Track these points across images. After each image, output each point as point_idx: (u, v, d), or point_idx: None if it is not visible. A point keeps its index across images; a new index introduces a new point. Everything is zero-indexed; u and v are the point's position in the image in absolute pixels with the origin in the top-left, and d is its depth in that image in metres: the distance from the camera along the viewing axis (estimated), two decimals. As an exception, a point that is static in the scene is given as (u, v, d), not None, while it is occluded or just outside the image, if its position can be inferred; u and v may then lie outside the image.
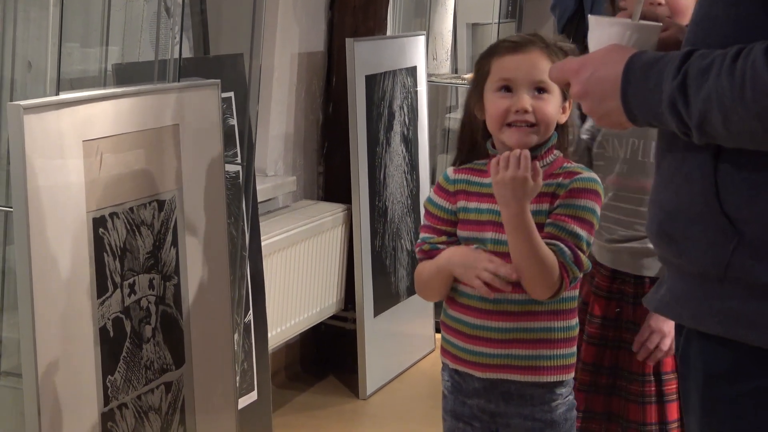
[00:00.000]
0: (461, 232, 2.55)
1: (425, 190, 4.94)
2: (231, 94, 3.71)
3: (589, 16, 1.94)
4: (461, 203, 2.55)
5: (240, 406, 3.66)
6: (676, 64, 1.68)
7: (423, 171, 4.98)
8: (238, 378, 3.66)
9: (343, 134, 4.53)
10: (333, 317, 4.71)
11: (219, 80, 3.33)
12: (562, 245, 2.42)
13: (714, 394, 1.78)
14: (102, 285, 2.84)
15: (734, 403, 1.75)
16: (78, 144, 2.75)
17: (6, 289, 3.06)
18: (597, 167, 2.96)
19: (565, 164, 2.52)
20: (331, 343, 4.84)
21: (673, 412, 2.95)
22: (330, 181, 4.79)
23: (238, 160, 3.70)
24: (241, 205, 3.69)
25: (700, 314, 1.76)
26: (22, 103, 2.61)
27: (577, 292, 2.57)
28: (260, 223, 3.92)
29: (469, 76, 3.63)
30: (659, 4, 2.88)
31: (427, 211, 2.62)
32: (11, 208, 2.67)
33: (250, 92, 3.74)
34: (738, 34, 1.68)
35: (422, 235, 2.61)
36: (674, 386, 2.93)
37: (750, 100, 1.59)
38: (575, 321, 2.55)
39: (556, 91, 2.46)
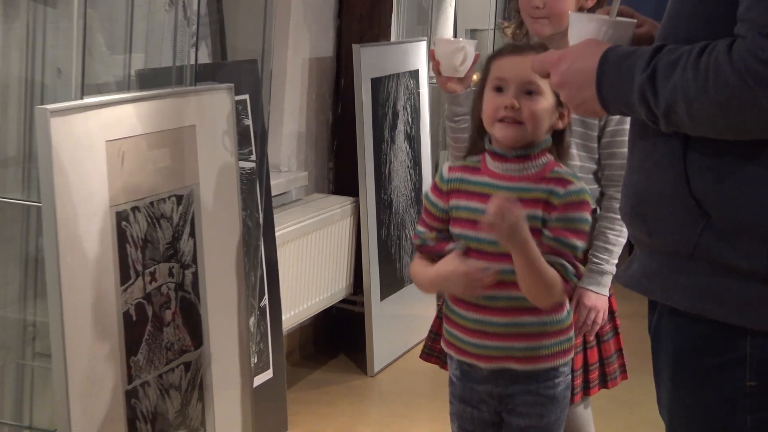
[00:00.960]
0: (453, 229, 2.50)
1: (427, 183, 4.94)
2: (246, 96, 3.71)
3: (570, 12, 1.95)
4: (454, 201, 2.49)
5: (256, 384, 3.66)
6: (646, 57, 1.69)
7: (425, 166, 4.98)
8: (255, 358, 3.67)
9: (351, 132, 4.52)
10: (343, 301, 4.71)
11: (233, 84, 3.33)
12: (564, 262, 2.39)
13: (683, 367, 1.80)
14: (125, 273, 2.84)
15: (702, 376, 1.77)
16: (102, 144, 2.75)
17: (38, 277, 3.06)
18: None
19: (555, 168, 2.45)
20: (341, 325, 4.84)
21: (577, 361, 2.98)
22: (339, 175, 4.79)
23: (253, 157, 3.70)
24: (256, 198, 3.69)
25: (669, 290, 1.77)
26: (49, 106, 2.61)
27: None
28: (275, 215, 3.92)
29: (475, 76, 3.60)
30: (537, 7, 2.90)
31: (424, 206, 2.58)
32: (40, 203, 2.67)
33: (262, 95, 3.74)
34: (705, 29, 1.69)
35: (418, 227, 2.58)
36: (580, 341, 2.96)
37: (712, 91, 1.61)
38: (566, 311, 2.54)
39: (548, 94, 2.41)
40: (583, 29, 1.89)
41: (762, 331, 1.69)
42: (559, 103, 2.42)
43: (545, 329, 2.48)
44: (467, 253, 2.45)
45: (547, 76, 1.90)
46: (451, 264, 2.42)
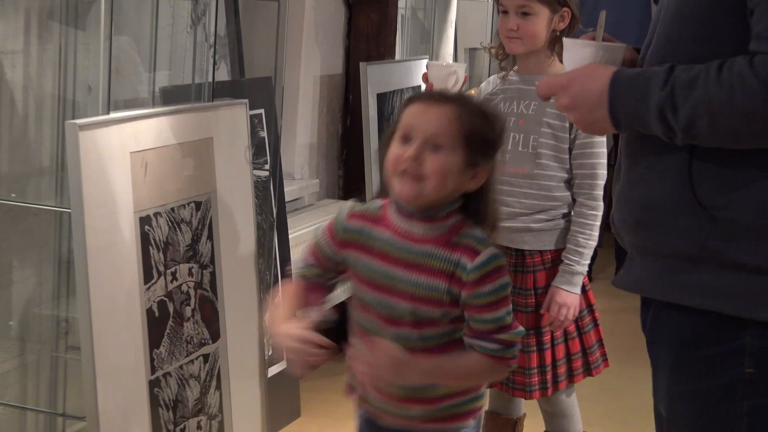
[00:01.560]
0: (352, 283, 2.12)
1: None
2: (261, 111, 3.71)
3: (564, 39, 1.94)
4: (352, 254, 2.08)
5: (272, 374, 3.66)
6: (662, 77, 1.68)
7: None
8: (269, 350, 3.67)
9: (359, 143, 4.52)
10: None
11: (247, 100, 3.34)
12: (484, 343, 2.00)
13: (684, 357, 1.79)
14: (148, 273, 2.85)
15: (703, 364, 1.76)
16: (126, 155, 2.76)
17: (70, 277, 3.07)
18: None
19: (463, 231, 2.03)
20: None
21: (547, 357, 3.02)
22: (348, 182, 4.79)
23: (268, 166, 3.70)
24: (270, 204, 3.69)
25: (677, 289, 1.76)
26: (78, 121, 2.62)
27: None
28: (289, 219, 3.92)
29: (471, 91, 3.62)
30: (512, 29, 2.96)
31: (315, 241, 2.15)
32: (70, 209, 2.68)
33: (276, 109, 3.74)
34: (705, 52, 1.69)
35: (307, 256, 2.17)
36: (549, 337, 3.00)
37: (739, 104, 1.60)
38: None
39: (456, 151, 1.98)
40: (578, 54, 1.87)
41: (761, 322, 1.70)
42: (471, 163, 2.00)
43: (447, 391, 2.09)
44: (362, 309, 2.10)
45: (546, 99, 1.89)
46: (294, 330, 2.03)
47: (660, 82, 1.68)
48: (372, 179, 4.47)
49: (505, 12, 2.98)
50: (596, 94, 1.76)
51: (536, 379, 3.01)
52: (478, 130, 2.00)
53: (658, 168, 1.76)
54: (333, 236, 2.11)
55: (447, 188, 1.98)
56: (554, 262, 2.99)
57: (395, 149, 2.00)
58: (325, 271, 2.16)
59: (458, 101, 2.03)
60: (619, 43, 1.95)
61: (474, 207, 2.05)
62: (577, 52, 1.88)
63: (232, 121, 3.26)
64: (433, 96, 2.10)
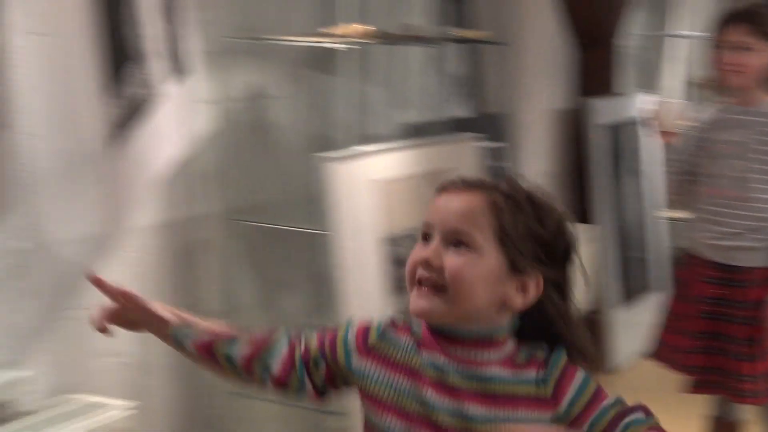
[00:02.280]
0: (372, 414, 1.42)
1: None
2: (497, 143, 3.80)
3: None
4: (365, 365, 1.44)
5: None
6: None
7: (647, 197, 4.91)
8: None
9: (588, 172, 4.52)
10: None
11: (481, 134, 3.44)
12: (635, 416, 1.37)
13: None
14: (395, 287, 2.98)
15: None
16: (371, 184, 2.90)
17: (327, 291, 3.23)
18: (701, 182, 3.03)
19: (521, 350, 1.40)
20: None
21: (761, 366, 2.96)
22: (581, 208, 4.79)
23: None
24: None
25: None
26: (328, 154, 2.80)
27: None
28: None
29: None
30: (728, 63, 2.96)
31: (335, 332, 1.49)
32: (328, 232, 2.85)
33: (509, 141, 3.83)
34: None
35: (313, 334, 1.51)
36: (764, 348, 2.95)
37: None
38: None
39: (488, 250, 1.36)
40: None
41: None
42: (515, 269, 1.37)
43: None
44: None
45: None
46: None
47: None
48: (597, 206, 4.48)
49: (723, 47, 2.97)
50: None
51: (749, 386, 2.96)
52: (519, 225, 1.38)
53: None
54: (363, 337, 1.46)
55: (479, 299, 1.36)
56: (767, 278, 2.95)
57: (413, 253, 1.44)
58: (317, 362, 1.48)
59: (493, 188, 1.41)
60: None
61: (532, 333, 1.41)
62: None
63: (468, 153, 3.37)
64: (462, 182, 1.43)
